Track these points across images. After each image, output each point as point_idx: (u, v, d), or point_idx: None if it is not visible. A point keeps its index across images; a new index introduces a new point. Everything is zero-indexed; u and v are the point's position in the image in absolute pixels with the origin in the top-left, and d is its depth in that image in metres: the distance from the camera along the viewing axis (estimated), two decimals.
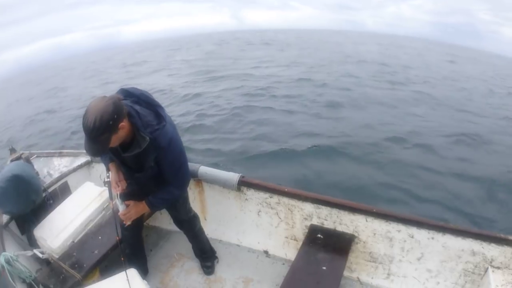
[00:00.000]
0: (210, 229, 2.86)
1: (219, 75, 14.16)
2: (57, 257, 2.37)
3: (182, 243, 2.71)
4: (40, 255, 2.36)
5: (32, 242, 2.58)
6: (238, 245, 2.78)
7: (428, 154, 6.32)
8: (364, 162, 5.89)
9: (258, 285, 2.42)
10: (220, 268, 2.58)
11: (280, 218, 2.58)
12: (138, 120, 1.61)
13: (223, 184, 2.60)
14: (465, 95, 11.99)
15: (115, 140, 1.57)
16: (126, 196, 2.00)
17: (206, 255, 2.57)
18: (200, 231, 2.50)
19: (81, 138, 1.93)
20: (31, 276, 2.22)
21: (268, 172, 5.40)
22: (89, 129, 1.46)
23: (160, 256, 2.69)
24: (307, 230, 2.47)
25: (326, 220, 2.42)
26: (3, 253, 2.17)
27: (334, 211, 2.36)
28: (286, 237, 2.62)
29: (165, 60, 22.27)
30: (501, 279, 1.97)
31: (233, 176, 2.54)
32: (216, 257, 2.63)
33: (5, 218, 2.53)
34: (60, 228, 2.50)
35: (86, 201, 2.66)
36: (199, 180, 2.71)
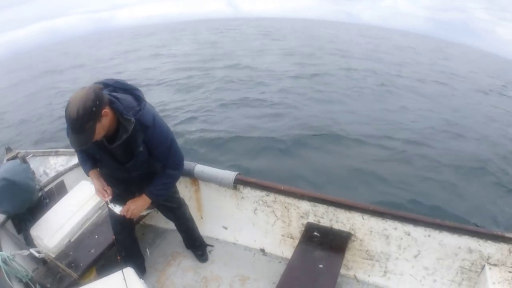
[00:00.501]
0: (207, 227, 2.85)
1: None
2: (54, 256, 2.37)
3: (178, 242, 2.71)
4: (37, 255, 2.36)
5: (28, 242, 2.58)
6: (234, 244, 2.77)
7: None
8: None
9: (255, 283, 2.42)
10: (217, 266, 2.57)
11: (277, 216, 2.57)
12: (120, 105, 1.61)
13: (219, 183, 2.59)
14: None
15: (100, 129, 1.56)
16: (117, 198, 1.97)
17: (196, 243, 2.61)
18: (191, 219, 2.53)
19: None
20: (27, 276, 2.23)
21: None
22: (73, 119, 1.45)
23: (156, 255, 2.69)
24: (303, 228, 2.46)
25: (322, 218, 2.41)
26: (0, 252, 2.17)
27: (331, 209, 2.35)
28: (283, 235, 2.62)
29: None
30: (497, 276, 1.96)
31: (229, 175, 2.53)
32: (207, 245, 2.68)
33: (1, 217, 2.53)
34: (57, 227, 2.49)
35: (82, 200, 2.66)
36: (195, 178, 2.70)
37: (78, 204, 2.64)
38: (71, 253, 2.37)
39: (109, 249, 2.39)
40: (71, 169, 2.98)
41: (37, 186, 2.71)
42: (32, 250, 2.37)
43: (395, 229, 2.21)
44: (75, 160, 3.04)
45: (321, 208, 2.38)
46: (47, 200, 2.77)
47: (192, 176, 2.65)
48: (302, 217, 2.48)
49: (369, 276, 2.39)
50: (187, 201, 2.61)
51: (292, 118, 8.01)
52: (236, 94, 10.05)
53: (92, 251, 2.36)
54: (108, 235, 2.36)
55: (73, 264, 2.28)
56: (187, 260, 2.63)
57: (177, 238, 2.69)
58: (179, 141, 6.78)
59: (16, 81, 16.71)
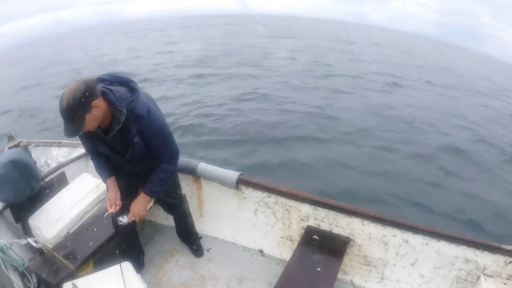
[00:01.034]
0: (206, 226, 2.86)
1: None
2: (51, 247, 2.35)
3: (177, 239, 2.71)
4: (34, 244, 2.34)
5: (26, 231, 2.56)
6: (233, 243, 2.78)
7: None
8: None
9: (252, 284, 2.42)
10: (215, 265, 2.57)
11: (277, 218, 2.59)
12: (112, 96, 1.65)
13: (222, 182, 2.60)
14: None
15: (90, 120, 1.60)
16: (122, 193, 2.02)
17: (192, 237, 2.66)
18: (189, 214, 2.60)
19: None
20: (24, 265, 2.22)
21: None
22: (64, 109, 1.52)
23: (154, 251, 2.68)
24: (303, 231, 2.48)
25: (322, 222, 2.43)
26: None
27: (331, 213, 2.37)
28: (282, 237, 2.63)
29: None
30: (492, 287, 1.99)
31: (232, 174, 2.55)
32: (201, 237, 2.75)
33: (0, 205, 2.51)
34: (56, 218, 2.48)
35: (83, 192, 2.65)
36: (198, 176, 2.71)
37: (79, 196, 2.63)
38: (69, 244, 2.35)
39: (107, 243, 2.38)
40: (72, 161, 2.97)
41: (38, 176, 2.71)
42: (29, 240, 2.35)
43: (394, 236, 2.24)
44: (77, 152, 3.04)
45: (321, 212, 2.40)
46: (47, 191, 2.76)
47: (194, 174, 2.67)
48: (302, 220, 2.49)
49: (365, 281, 2.41)
50: (188, 199, 2.62)
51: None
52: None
53: (91, 243, 2.35)
54: (107, 228, 2.35)
55: (70, 256, 2.26)
56: (185, 258, 2.63)
57: (176, 235, 2.70)
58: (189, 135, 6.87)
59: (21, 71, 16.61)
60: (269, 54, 16.85)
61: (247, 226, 2.73)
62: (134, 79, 1.84)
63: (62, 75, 13.45)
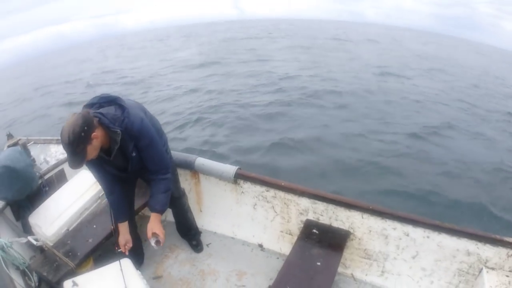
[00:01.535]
0: (205, 221, 2.86)
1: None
2: (51, 244, 2.36)
3: (176, 235, 2.71)
4: (34, 242, 2.35)
5: (26, 229, 2.58)
6: (232, 238, 2.77)
7: None
8: None
9: (252, 279, 2.42)
10: (214, 260, 2.57)
11: (276, 212, 2.57)
12: (105, 119, 1.73)
13: (220, 176, 2.58)
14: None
15: (92, 151, 1.70)
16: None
17: (191, 232, 2.67)
18: (189, 209, 2.61)
19: None
20: (24, 263, 2.23)
21: None
22: (65, 144, 1.62)
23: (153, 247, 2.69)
24: (302, 225, 2.46)
25: (322, 215, 2.40)
26: None
27: (330, 207, 2.34)
28: (281, 232, 2.61)
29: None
30: (495, 280, 1.96)
31: (230, 169, 2.53)
32: (201, 232, 2.76)
33: (0, 204, 2.52)
34: (55, 216, 2.49)
35: (82, 189, 2.65)
36: (196, 171, 2.69)
37: (78, 193, 2.63)
38: (68, 242, 2.36)
39: (107, 239, 2.38)
40: None
41: (37, 174, 2.71)
42: (30, 238, 2.36)
43: (394, 229, 2.21)
44: None
45: (320, 206, 2.37)
46: (47, 188, 2.77)
47: (192, 168, 2.65)
48: (301, 213, 2.47)
49: (366, 275, 2.39)
50: (186, 194, 2.61)
51: None
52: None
53: (90, 240, 2.36)
54: (107, 225, 2.35)
55: (70, 253, 2.27)
56: (185, 253, 2.63)
57: (175, 230, 2.70)
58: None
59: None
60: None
61: (246, 220, 2.72)
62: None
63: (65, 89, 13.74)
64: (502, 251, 1.97)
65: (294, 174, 5.19)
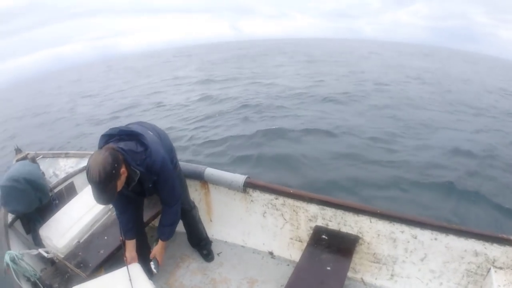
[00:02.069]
0: (216, 230, 2.88)
1: None
2: (62, 256, 2.37)
3: (187, 244, 2.73)
4: (45, 255, 2.36)
5: (37, 242, 2.58)
6: (243, 246, 2.79)
7: None
8: None
9: (263, 286, 2.43)
10: (225, 269, 2.59)
11: (285, 219, 2.61)
12: (128, 157, 1.76)
13: (229, 186, 2.63)
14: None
15: (120, 185, 1.73)
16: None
17: (202, 242, 2.70)
18: (199, 220, 2.65)
19: None
20: (36, 275, 2.22)
21: None
22: (96, 182, 1.61)
23: (165, 257, 2.68)
24: (311, 231, 2.49)
25: (330, 221, 2.45)
26: (8, 251, 2.17)
27: (339, 213, 2.39)
28: (291, 238, 2.65)
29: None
30: (503, 280, 2.00)
31: (239, 178, 2.58)
32: (211, 241, 2.79)
33: (10, 217, 2.53)
34: (66, 228, 2.51)
35: (92, 201, 2.57)
36: (205, 181, 2.74)
37: (88, 206, 2.65)
38: (80, 253, 2.37)
39: (118, 250, 2.39)
40: (81, 171, 3.00)
41: (47, 187, 2.73)
42: (40, 250, 2.37)
43: (402, 232, 2.25)
44: (84, 162, 3.06)
45: (329, 212, 2.42)
46: (57, 201, 2.79)
47: (202, 179, 2.69)
48: (310, 220, 2.51)
49: (376, 279, 2.42)
50: (197, 204, 2.65)
51: None
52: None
53: (101, 251, 2.37)
54: (117, 236, 2.35)
55: (81, 264, 2.27)
56: (196, 263, 2.65)
57: (186, 241, 2.71)
58: None
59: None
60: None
61: (256, 228, 2.75)
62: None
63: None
64: (510, 250, 2.01)
65: None
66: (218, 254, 2.71)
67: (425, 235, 2.19)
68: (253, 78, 16.15)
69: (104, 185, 1.62)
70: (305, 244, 2.44)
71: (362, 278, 2.45)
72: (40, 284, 2.19)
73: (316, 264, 2.20)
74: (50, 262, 2.43)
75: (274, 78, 15.90)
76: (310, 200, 2.44)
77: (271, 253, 2.71)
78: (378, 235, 2.33)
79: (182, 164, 2.54)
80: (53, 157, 3.14)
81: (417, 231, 2.21)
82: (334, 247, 2.32)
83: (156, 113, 10.99)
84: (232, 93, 12.55)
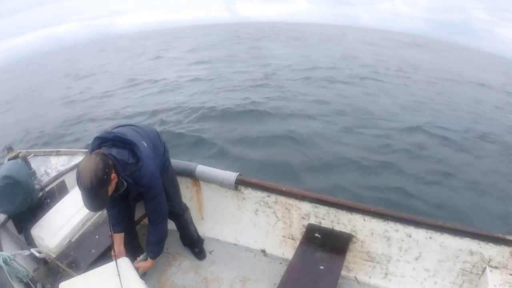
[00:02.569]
0: (207, 228, 2.86)
1: None
2: (54, 256, 2.36)
3: (179, 243, 2.71)
4: (37, 255, 2.35)
5: (29, 242, 2.58)
6: (235, 244, 2.77)
7: None
8: None
9: (256, 284, 2.42)
10: (217, 267, 2.57)
11: (278, 217, 2.57)
12: (118, 166, 1.74)
13: (221, 183, 2.59)
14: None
15: (111, 190, 1.72)
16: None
17: (194, 242, 2.69)
18: (191, 222, 2.64)
19: None
20: (28, 276, 2.22)
21: None
22: (88, 188, 1.58)
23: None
24: (304, 229, 2.46)
25: (323, 219, 2.41)
26: (0, 253, 2.16)
27: (332, 211, 2.35)
28: (284, 236, 2.61)
29: None
30: (498, 279, 1.97)
31: (231, 175, 2.54)
32: (203, 240, 2.76)
33: (2, 217, 2.53)
34: (58, 227, 2.49)
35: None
36: (196, 179, 2.70)
37: (79, 204, 2.58)
38: (71, 253, 2.36)
39: (109, 249, 2.37)
40: (72, 169, 2.97)
41: (38, 186, 2.72)
42: (33, 250, 2.36)
43: (396, 231, 2.21)
44: (76, 160, 3.04)
45: (322, 210, 2.38)
46: (48, 200, 2.78)
47: (193, 176, 2.66)
48: (303, 218, 2.47)
49: (370, 277, 2.39)
50: (188, 201, 2.63)
51: None
52: None
53: (93, 251, 2.36)
54: (108, 233, 2.36)
55: (73, 264, 2.27)
56: (188, 261, 2.63)
57: (178, 239, 2.70)
58: None
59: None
60: None
61: (248, 226, 2.72)
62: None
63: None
64: (505, 250, 1.97)
65: None
66: (210, 252, 2.69)
67: (420, 234, 2.15)
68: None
69: (95, 192, 1.60)
70: (298, 242, 2.41)
71: (355, 277, 2.42)
72: (32, 285, 2.19)
73: (309, 263, 2.17)
74: (43, 262, 2.42)
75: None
76: (302, 198, 2.40)
77: (263, 251, 2.69)
78: (372, 233, 2.29)
79: (173, 162, 2.50)
80: (45, 155, 3.11)
81: (411, 229, 2.16)
82: (327, 246, 2.29)
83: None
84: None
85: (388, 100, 10.17)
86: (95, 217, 2.62)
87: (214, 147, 6.37)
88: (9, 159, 2.80)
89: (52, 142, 7.58)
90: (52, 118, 9.78)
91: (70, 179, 2.95)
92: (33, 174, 2.78)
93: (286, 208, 2.50)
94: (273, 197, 2.50)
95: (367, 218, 2.25)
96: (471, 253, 2.06)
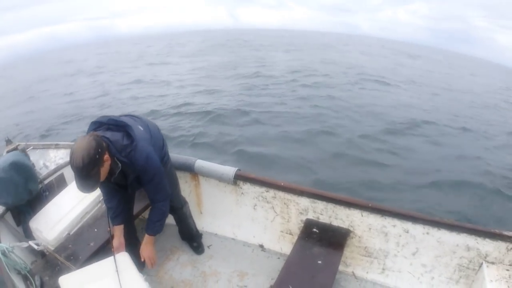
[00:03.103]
0: (206, 222, 2.86)
1: None
2: (53, 249, 2.37)
3: (177, 237, 2.72)
4: (36, 247, 2.35)
5: (27, 234, 2.58)
6: (233, 239, 2.78)
7: None
8: None
9: (253, 279, 2.42)
10: (215, 261, 2.58)
11: (276, 212, 2.58)
12: (113, 148, 1.74)
13: (219, 178, 2.59)
14: None
15: (103, 173, 1.70)
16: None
17: (193, 236, 2.69)
18: (190, 216, 2.63)
19: None
20: (26, 268, 2.23)
21: None
22: (80, 167, 1.57)
23: (155, 249, 2.69)
24: (302, 225, 2.47)
25: (321, 214, 2.42)
26: None
27: (330, 206, 2.36)
28: (282, 231, 2.62)
29: None
30: (495, 274, 1.98)
31: (230, 170, 2.54)
32: (201, 234, 2.77)
33: (0, 209, 2.53)
34: (56, 220, 2.50)
35: (82, 193, 2.65)
36: (195, 173, 2.71)
37: (78, 197, 2.64)
38: (70, 246, 2.37)
39: (108, 242, 2.37)
40: None
41: (37, 179, 2.71)
42: (31, 243, 2.37)
43: (394, 226, 2.22)
44: None
45: (320, 205, 2.39)
46: (47, 193, 2.78)
47: (192, 171, 2.66)
48: (301, 213, 2.48)
49: (367, 273, 2.40)
50: (187, 196, 2.63)
51: None
52: None
53: (91, 244, 2.36)
54: (107, 228, 2.35)
55: (72, 257, 2.27)
56: (186, 255, 2.64)
57: (176, 233, 2.71)
58: None
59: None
60: None
61: (246, 221, 2.73)
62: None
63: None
64: (502, 245, 1.98)
65: None
66: (208, 247, 2.70)
67: (417, 229, 2.16)
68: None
69: (87, 171, 1.58)
70: (296, 237, 2.42)
71: (353, 272, 2.44)
72: (30, 277, 2.20)
73: (307, 258, 2.18)
74: (41, 255, 2.43)
75: None
76: (301, 193, 2.41)
77: (261, 246, 2.70)
78: (370, 228, 2.30)
79: (172, 156, 2.50)
80: (43, 148, 3.11)
81: (409, 225, 2.18)
82: (325, 241, 2.30)
83: None
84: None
85: None
86: (94, 210, 2.63)
87: None
88: (7, 152, 2.80)
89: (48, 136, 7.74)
90: (51, 115, 9.89)
91: (69, 173, 2.94)
92: (32, 166, 2.78)
93: (285, 203, 2.51)
94: (271, 192, 2.51)
95: (365, 213, 2.26)
96: (468, 248, 2.07)
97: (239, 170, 2.55)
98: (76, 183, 1.66)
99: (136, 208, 2.47)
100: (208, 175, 2.64)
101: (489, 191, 5.35)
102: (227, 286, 2.39)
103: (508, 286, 1.91)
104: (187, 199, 2.60)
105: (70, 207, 2.58)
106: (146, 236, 2.15)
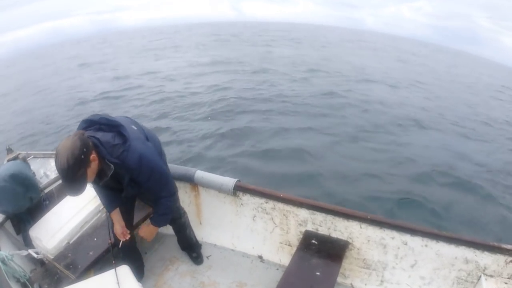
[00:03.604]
0: (205, 233, 2.87)
1: None
2: (52, 257, 2.37)
3: (177, 247, 2.72)
4: (35, 255, 2.36)
5: (27, 242, 2.58)
6: (232, 250, 2.78)
7: None
8: None
9: None
10: (214, 272, 2.58)
11: (275, 224, 2.59)
12: (103, 149, 1.66)
13: (219, 189, 2.61)
14: None
15: (90, 173, 1.62)
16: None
17: (192, 246, 2.69)
18: (189, 226, 2.62)
19: None
20: (25, 276, 2.23)
21: None
22: (65, 168, 1.50)
23: (155, 259, 2.69)
24: (301, 236, 2.47)
25: (320, 226, 2.43)
26: None
27: (329, 218, 2.37)
28: (281, 243, 2.63)
29: None
30: (494, 287, 1.98)
31: (229, 181, 2.56)
32: (201, 245, 2.75)
33: (0, 217, 2.53)
34: (56, 229, 2.50)
35: (82, 202, 2.66)
36: (195, 184, 2.72)
37: (78, 207, 2.65)
38: (69, 254, 2.37)
39: (107, 252, 2.38)
40: None
41: (37, 187, 2.72)
42: (30, 251, 2.37)
43: (393, 238, 2.23)
44: None
45: (319, 216, 2.40)
46: (47, 202, 2.79)
47: (192, 181, 2.68)
48: (300, 224, 2.49)
49: (365, 285, 2.40)
50: (186, 207, 2.64)
51: None
52: None
53: (91, 253, 2.36)
54: (107, 238, 2.35)
55: (71, 266, 2.27)
56: (185, 265, 2.64)
57: (176, 243, 2.71)
58: None
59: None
60: None
61: (245, 232, 2.73)
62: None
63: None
64: (500, 258, 1.99)
65: None
66: (207, 257, 2.70)
67: (416, 242, 2.17)
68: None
69: (73, 172, 1.50)
70: (294, 249, 2.43)
71: (351, 284, 2.43)
72: (29, 285, 2.20)
73: (305, 269, 2.18)
74: (40, 263, 2.43)
75: None
76: (300, 204, 2.42)
77: (260, 257, 2.70)
78: (368, 240, 2.31)
79: (172, 167, 2.52)
80: (44, 157, 3.12)
81: (407, 237, 2.19)
82: (324, 252, 2.30)
83: None
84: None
85: None
86: (93, 220, 2.63)
87: None
88: (8, 160, 2.82)
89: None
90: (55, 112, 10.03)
91: None
92: (33, 175, 2.79)
93: (284, 215, 2.52)
94: (271, 204, 2.53)
95: (363, 225, 2.28)
96: (467, 261, 2.08)
97: (238, 181, 2.57)
98: (63, 186, 1.60)
99: (136, 218, 2.48)
100: (208, 185, 2.66)
101: None
102: None
103: None
104: (187, 209, 2.61)
105: (70, 216, 2.58)
106: (150, 224, 2.14)
